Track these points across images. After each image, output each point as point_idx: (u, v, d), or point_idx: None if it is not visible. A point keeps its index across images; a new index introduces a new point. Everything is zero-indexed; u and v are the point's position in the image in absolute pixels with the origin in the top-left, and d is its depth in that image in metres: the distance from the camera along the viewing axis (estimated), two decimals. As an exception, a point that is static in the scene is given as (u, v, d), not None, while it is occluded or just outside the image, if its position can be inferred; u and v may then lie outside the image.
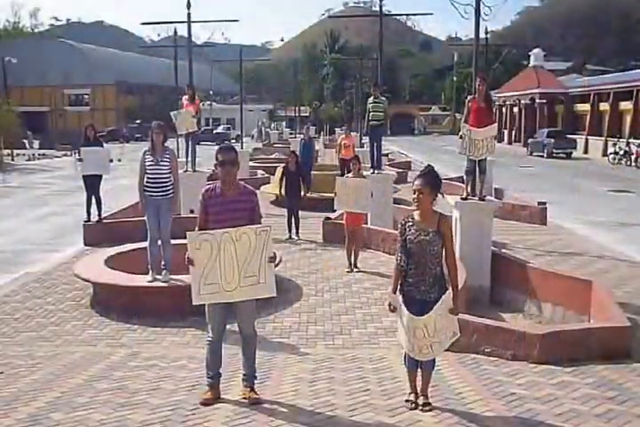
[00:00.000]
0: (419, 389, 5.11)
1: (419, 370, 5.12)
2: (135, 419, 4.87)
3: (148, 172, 8.38)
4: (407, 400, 5.11)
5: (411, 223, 4.96)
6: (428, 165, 5.06)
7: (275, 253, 5.16)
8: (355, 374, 5.96)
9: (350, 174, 10.90)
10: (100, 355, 6.80)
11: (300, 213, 12.98)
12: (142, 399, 5.31)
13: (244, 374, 5.35)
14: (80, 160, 12.99)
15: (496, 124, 9.86)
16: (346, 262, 10.42)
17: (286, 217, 12.93)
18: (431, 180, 4.90)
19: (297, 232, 12.89)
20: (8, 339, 7.50)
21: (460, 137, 9.58)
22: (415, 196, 4.89)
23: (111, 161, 13.14)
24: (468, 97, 9.99)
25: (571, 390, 5.42)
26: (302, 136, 22.03)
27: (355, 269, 10.27)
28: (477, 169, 9.72)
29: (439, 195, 4.97)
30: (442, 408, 5.03)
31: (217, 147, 5.52)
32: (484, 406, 5.07)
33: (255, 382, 5.35)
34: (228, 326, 5.45)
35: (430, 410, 4.97)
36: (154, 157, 8.37)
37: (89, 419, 4.88)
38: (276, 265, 5.29)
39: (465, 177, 10.05)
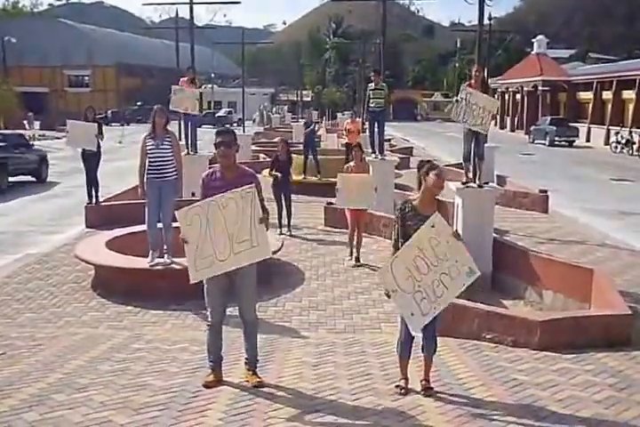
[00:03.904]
0: (409, 375, 5.17)
1: (410, 358, 5.18)
2: (137, 401, 4.89)
3: (150, 155, 8.33)
4: (397, 386, 5.14)
5: (410, 209, 5.05)
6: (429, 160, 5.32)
7: (265, 215, 5.07)
8: (357, 358, 5.99)
9: (352, 163, 10.50)
10: (102, 337, 6.81)
11: (292, 204, 12.06)
12: (145, 381, 5.32)
13: (246, 358, 5.37)
14: (68, 132, 12.99)
15: (497, 101, 9.68)
16: (347, 249, 10.26)
17: (276, 209, 11.69)
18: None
19: (288, 224, 11.94)
20: (9, 320, 7.52)
21: (457, 101, 9.11)
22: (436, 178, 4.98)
23: (97, 136, 12.60)
24: (464, 84, 9.83)
25: (571, 376, 5.45)
26: (305, 120, 22.03)
27: (356, 263, 9.84)
28: (476, 155, 9.64)
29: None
30: (443, 393, 5.06)
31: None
32: (485, 392, 5.10)
33: (257, 365, 5.37)
34: (229, 310, 5.46)
35: (432, 395, 5.00)
36: (155, 140, 8.32)
37: (91, 400, 4.90)
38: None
39: (463, 163, 9.98)
